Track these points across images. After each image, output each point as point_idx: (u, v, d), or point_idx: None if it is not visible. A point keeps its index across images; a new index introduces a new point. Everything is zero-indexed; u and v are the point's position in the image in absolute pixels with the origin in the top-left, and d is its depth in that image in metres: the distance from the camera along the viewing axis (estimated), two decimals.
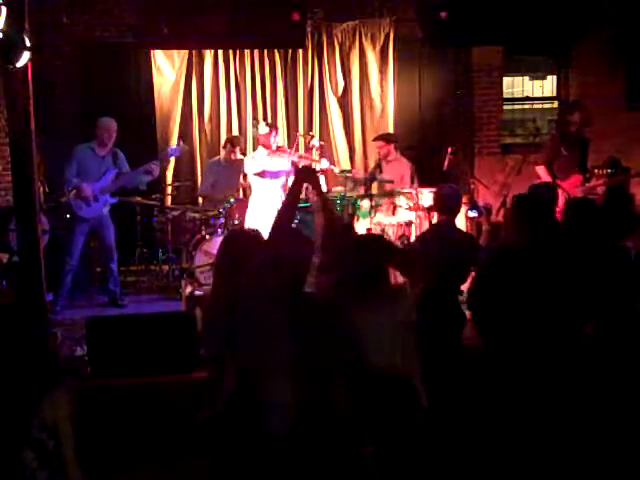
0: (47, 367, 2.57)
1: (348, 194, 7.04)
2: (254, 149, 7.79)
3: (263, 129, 6.57)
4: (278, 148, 6.60)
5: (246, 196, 7.64)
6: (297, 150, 7.16)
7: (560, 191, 6.14)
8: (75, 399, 2.55)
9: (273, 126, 6.71)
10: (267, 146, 6.48)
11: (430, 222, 6.32)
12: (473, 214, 4.95)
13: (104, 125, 6.13)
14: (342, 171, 7.52)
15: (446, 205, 4.47)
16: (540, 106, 9.37)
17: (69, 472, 2.49)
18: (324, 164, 6.68)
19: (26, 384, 2.45)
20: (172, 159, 7.87)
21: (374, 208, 6.86)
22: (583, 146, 6.63)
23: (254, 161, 6.66)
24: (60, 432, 2.46)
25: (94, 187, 6.03)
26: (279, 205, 5.91)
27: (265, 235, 3.04)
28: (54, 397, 2.48)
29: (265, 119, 7.87)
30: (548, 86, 9.13)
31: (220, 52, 7.83)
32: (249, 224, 6.37)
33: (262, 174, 6.49)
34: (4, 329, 2.57)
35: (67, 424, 2.49)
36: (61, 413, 2.48)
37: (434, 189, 6.51)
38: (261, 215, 6.29)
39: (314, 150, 7.02)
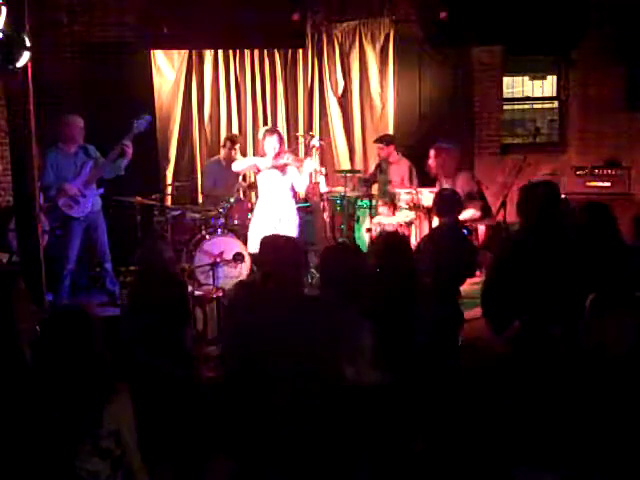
0: (107, 373, 2.53)
1: (348, 194, 7.05)
2: (254, 150, 7.80)
3: (260, 135, 6.08)
4: (277, 155, 5.90)
5: (246, 197, 7.64)
6: (292, 152, 6.49)
7: None
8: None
9: (268, 131, 6.03)
10: (262, 155, 5.96)
11: (430, 222, 6.33)
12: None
13: (75, 122, 6.03)
14: (351, 171, 7.54)
15: (444, 207, 4.49)
16: (540, 106, 9.38)
17: (137, 477, 2.49)
18: (308, 166, 6.21)
19: (89, 393, 2.44)
20: (172, 159, 7.88)
21: (374, 208, 6.87)
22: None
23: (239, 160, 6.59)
24: (123, 438, 2.45)
25: (76, 184, 6.00)
26: (286, 207, 5.93)
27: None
28: (116, 404, 2.46)
29: (265, 121, 7.89)
30: (548, 86, 9.13)
31: (220, 52, 7.82)
32: (255, 228, 6.08)
33: (255, 168, 6.06)
34: (58, 337, 2.51)
35: (131, 430, 2.48)
36: (124, 420, 2.47)
37: (434, 189, 6.57)
38: (266, 218, 6.02)
39: (314, 150, 7.00)
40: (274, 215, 5.94)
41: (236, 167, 6.30)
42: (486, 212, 6.39)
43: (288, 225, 5.96)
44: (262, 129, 6.31)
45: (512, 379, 2.17)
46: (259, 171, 6.02)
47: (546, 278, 3.30)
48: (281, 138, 5.99)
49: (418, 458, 2.97)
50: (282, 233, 5.83)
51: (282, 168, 5.93)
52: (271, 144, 5.87)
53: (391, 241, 3.81)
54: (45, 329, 2.58)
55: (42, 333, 2.60)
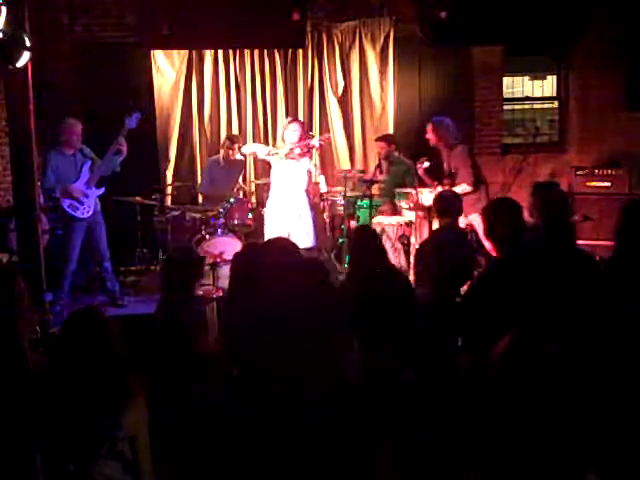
0: (125, 374, 2.54)
1: (348, 194, 7.05)
2: None
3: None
4: (291, 149, 6.07)
5: (246, 197, 7.65)
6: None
7: None
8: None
9: (290, 121, 6.29)
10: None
11: (430, 223, 6.33)
12: None
13: (72, 128, 6.05)
14: (356, 171, 7.54)
15: (444, 208, 4.50)
16: (540, 106, 9.37)
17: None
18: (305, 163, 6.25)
19: (108, 395, 2.44)
20: (172, 159, 7.88)
21: (374, 208, 6.87)
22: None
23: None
24: (138, 442, 2.45)
25: (79, 185, 6.03)
26: (299, 202, 5.95)
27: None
28: (134, 408, 2.47)
29: (265, 121, 7.92)
30: (548, 86, 9.13)
31: (220, 52, 7.82)
32: (270, 223, 6.17)
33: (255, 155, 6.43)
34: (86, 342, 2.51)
35: (145, 434, 2.48)
36: (141, 424, 2.47)
37: (434, 189, 6.57)
38: (280, 213, 6.09)
39: (314, 150, 6.99)
40: (288, 211, 5.99)
41: (244, 150, 6.63)
42: (477, 185, 6.41)
43: (305, 223, 6.00)
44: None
45: (496, 396, 2.08)
46: (267, 163, 6.15)
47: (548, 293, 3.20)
48: (301, 125, 6.19)
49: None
50: (299, 229, 5.95)
51: (293, 156, 6.03)
52: (289, 131, 6.06)
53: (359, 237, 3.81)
54: (64, 332, 2.58)
55: (61, 336, 2.60)
